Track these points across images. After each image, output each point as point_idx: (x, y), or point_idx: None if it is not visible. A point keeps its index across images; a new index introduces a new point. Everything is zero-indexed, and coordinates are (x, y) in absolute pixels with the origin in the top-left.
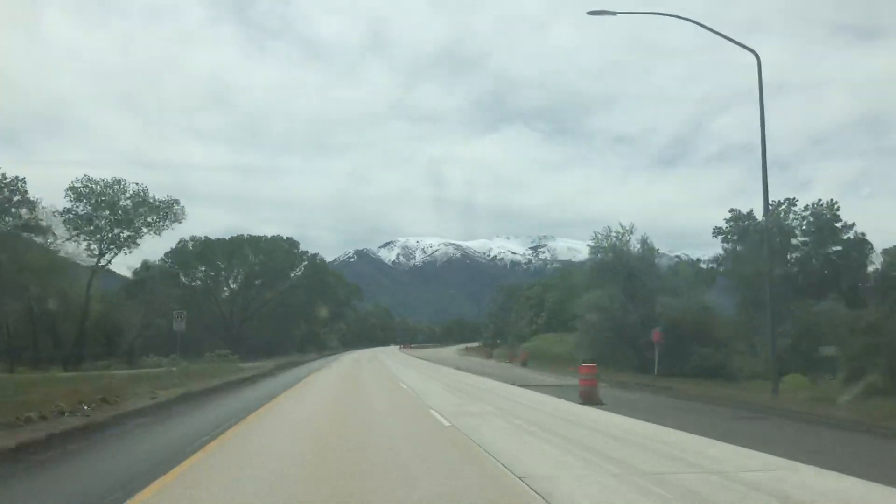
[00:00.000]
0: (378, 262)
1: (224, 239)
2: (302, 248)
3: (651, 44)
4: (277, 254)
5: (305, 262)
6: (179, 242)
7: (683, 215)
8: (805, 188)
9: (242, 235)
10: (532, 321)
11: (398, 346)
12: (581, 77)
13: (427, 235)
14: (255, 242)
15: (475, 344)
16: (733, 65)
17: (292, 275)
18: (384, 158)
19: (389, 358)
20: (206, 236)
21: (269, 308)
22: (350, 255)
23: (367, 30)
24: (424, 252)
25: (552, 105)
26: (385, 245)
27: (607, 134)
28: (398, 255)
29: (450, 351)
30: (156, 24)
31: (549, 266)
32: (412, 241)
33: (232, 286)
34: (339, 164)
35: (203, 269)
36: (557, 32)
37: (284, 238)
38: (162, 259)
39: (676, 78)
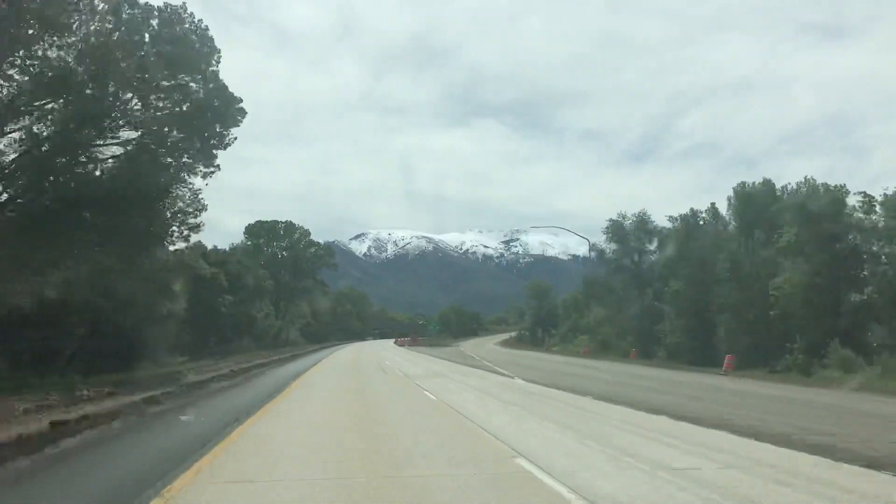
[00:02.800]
0: (349, 255)
1: None
2: None
3: (622, 39)
4: None
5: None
6: None
7: (653, 211)
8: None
9: None
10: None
11: (393, 341)
12: (551, 71)
13: (398, 228)
14: None
15: (503, 336)
16: (703, 62)
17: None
18: (354, 150)
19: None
20: None
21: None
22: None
23: (336, 18)
24: (396, 245)
25: (523, 99)
26: (356, 237)
27: (577, 129)
28: (370, 247)
29: (489, 347)
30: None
31: (521, 260)
32: (384, 234)
33: None
34: (307, 155)
35: None
36: (528, 26)
37: None
38: None
39: (647, 73)
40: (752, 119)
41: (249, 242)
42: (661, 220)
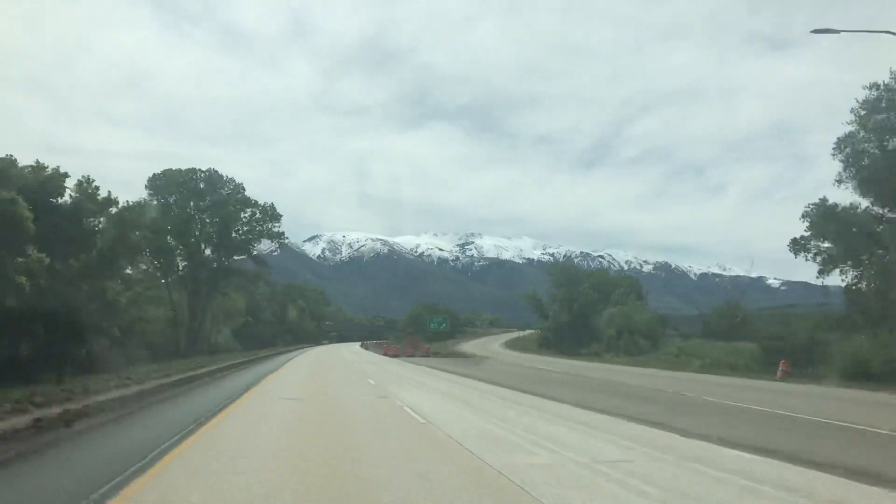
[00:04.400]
0: (303, 257)
1: None
2: None
3: (574, 44)
4: None
5: None
6: None
7: (604, 216)
8: (719, 192)
9: None
10: None
11: (359, 344)
12: (505, 75)
13: (353, 230)
14: None
15: (514, 333)
16: (653, 69)
17: None
18: (308, 151)
19: None
20: None
21: None
22: (273, 248)
23: (288, 18)
24: (351, 247)
25: (477, 103)
26: (310, 239)
27: (531, 133)
28: (323, 249)
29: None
30: (67, 2)
31: (476, 263)
32: (338, 236)
33: None
34: (260, 156)
35: None
36: (482, 30)
37: None
38: None
39: (599, 79)
40: (701, 126)
41: (155, 201)
42: None
